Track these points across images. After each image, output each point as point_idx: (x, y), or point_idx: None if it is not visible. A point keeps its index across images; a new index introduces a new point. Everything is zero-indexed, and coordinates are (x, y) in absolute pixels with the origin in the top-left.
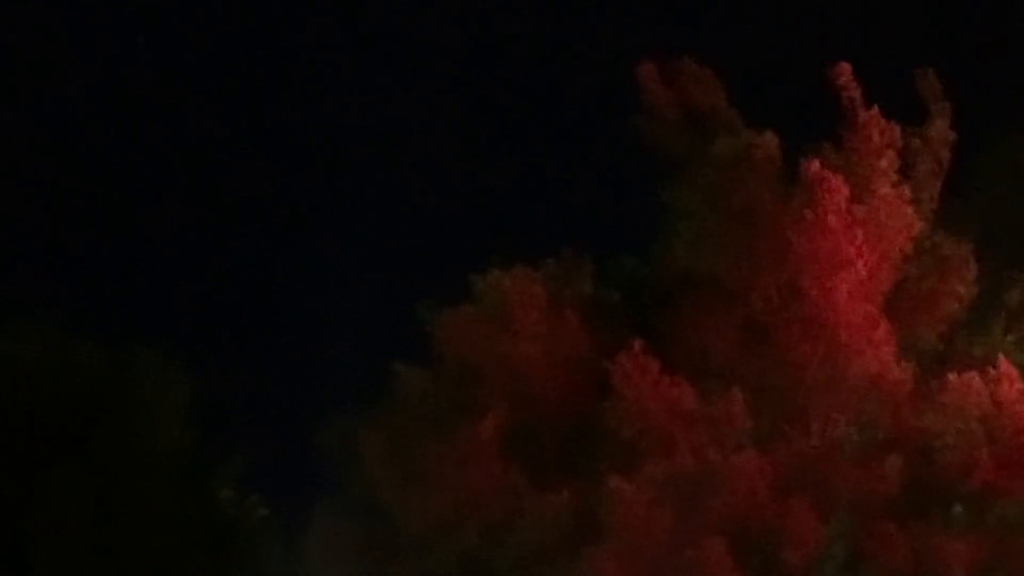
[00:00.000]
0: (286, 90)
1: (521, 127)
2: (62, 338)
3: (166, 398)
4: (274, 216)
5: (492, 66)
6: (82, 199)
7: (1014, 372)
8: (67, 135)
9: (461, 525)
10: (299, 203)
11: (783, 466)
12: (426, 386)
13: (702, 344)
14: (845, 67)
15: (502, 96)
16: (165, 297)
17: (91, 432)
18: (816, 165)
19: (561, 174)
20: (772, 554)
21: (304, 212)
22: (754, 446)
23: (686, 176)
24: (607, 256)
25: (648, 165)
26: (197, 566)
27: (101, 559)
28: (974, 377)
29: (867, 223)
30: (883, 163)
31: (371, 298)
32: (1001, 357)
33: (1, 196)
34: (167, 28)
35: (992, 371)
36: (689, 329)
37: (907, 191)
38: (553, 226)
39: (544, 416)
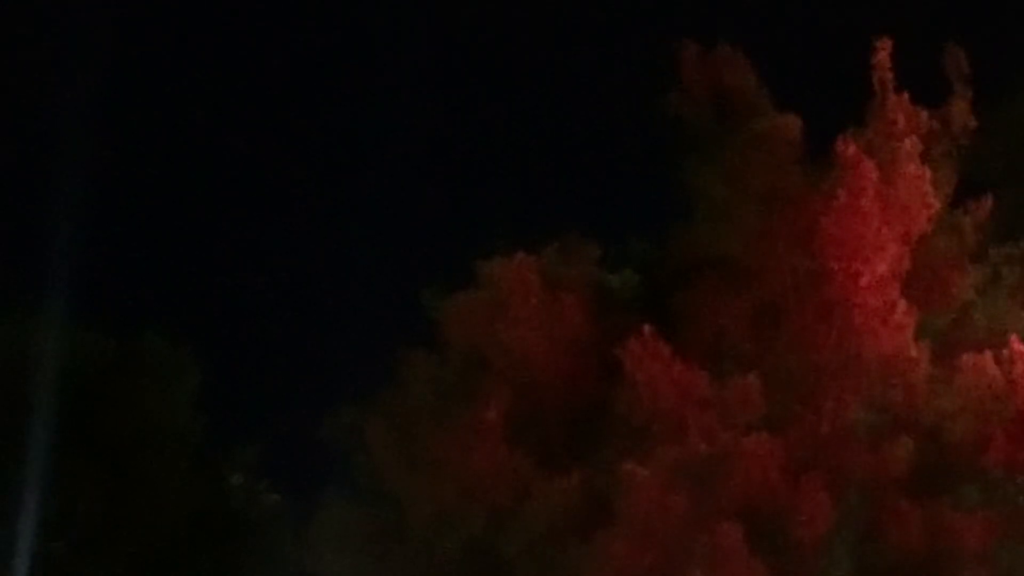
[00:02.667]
0: (292, 76)
1: (531, 109)
2: (71, 324)
3: (175, 384)
4: (284, 204)
5: (505, 49)
6: (90, 185)
7: None
8: (73, 124)
9: (468, 511)
10: (308, 190)
11: (796, 448)
12: (431, 372)
13: (717, 326)
14: (886, 43)
15: (515, 80)
16: (173, 283)
17: (100, 418)
18: (852, 147)
19: (573, 157)
20: (785, 535)
21: (313, 199)
22: (767, 428)
23: (708, 156)
24: (621, 238)
25: (663, 147)
26: (207, 552)
27: (110, 545)
28: (987, 357)
29: (892, 205)
30: (906, 145)
31: (379, 284)
32: (1013, 336)
33: (8, 184)
34: (170, 26)
35: (1004, 351)
36: (704, 311)
37: (928, 173)
38: (565, 210)
39: (549, 401)
